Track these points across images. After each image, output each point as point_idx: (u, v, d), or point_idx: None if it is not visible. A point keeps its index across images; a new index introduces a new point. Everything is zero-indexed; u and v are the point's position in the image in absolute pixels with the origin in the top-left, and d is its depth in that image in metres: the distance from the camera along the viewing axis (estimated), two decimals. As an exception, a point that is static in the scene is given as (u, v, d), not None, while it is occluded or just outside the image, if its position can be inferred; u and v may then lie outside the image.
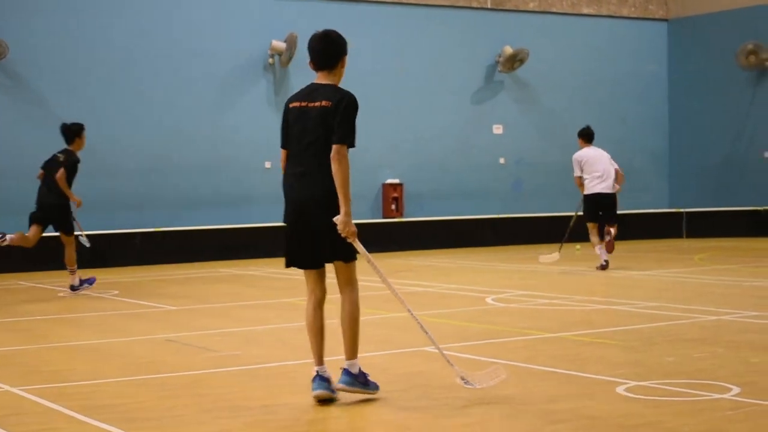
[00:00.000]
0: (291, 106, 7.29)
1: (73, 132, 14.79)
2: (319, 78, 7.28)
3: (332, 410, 6.91)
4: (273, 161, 21.64)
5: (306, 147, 7.15)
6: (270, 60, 22.14)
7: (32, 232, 14.69)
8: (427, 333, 7.22)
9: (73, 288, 14.88)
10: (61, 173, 14.46)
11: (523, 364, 8.45)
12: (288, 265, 7.31)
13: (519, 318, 11.36)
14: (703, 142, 26.16)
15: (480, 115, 24.54)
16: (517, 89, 24.95)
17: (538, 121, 25.23)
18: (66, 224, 14.78)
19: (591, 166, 16.66)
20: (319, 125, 7.08)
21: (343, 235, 6.94)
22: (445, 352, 7.28)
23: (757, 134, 25.23)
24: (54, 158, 14.78)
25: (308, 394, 7.16)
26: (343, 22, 22.89)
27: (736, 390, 7.12)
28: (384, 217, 23.05)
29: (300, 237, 7.18)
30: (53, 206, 14.67)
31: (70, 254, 14.81)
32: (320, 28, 7.36)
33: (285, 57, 21.99)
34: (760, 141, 25.14)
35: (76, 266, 14.89)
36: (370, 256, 7.05)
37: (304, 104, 7.20)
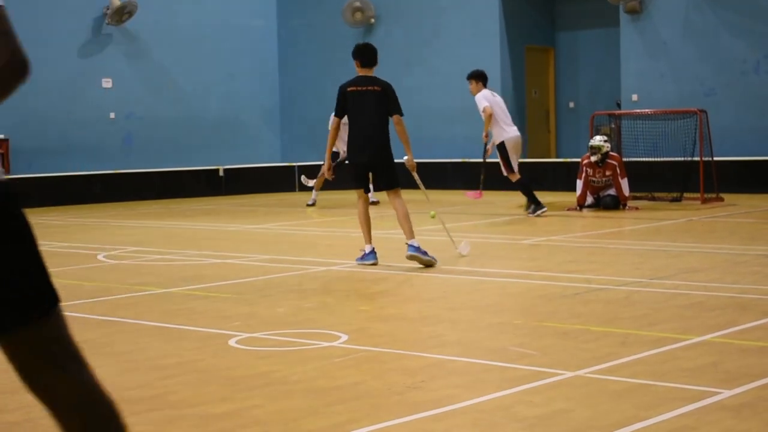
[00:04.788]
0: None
1: None
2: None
3: None
4: None
5: None
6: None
7: None
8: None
9: None
10: None
11: (134, 320, 8.32)
12: None
13: (131, 274, 11.18)
14: (313, 96, 26.63)
15: (88, 69, 23.89)
16: (126, 42, 24.47)
17: (148, 75, 24.88)
18: None
19: None
20: None
21: None
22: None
23: (364, 90, 25.99)
24: None
25: None
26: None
27: (344, 337, 7.30)
28: (-11, 175, 22.05)
29: None
30: None
31: None
32: None
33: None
34: (367, 96, 25.92)
35: None
36: None
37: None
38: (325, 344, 7.13)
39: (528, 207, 16.58)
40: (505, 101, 24.37)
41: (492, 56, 24.11)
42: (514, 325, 7.77)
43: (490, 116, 16.42)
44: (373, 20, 25.64)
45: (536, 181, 22.31)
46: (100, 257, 12.68)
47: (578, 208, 17.16)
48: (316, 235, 14.83)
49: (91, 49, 23.97)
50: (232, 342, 7.27)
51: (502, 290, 9.63)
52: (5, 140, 22.32)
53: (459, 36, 24.51)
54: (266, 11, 27.22)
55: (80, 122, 23.62)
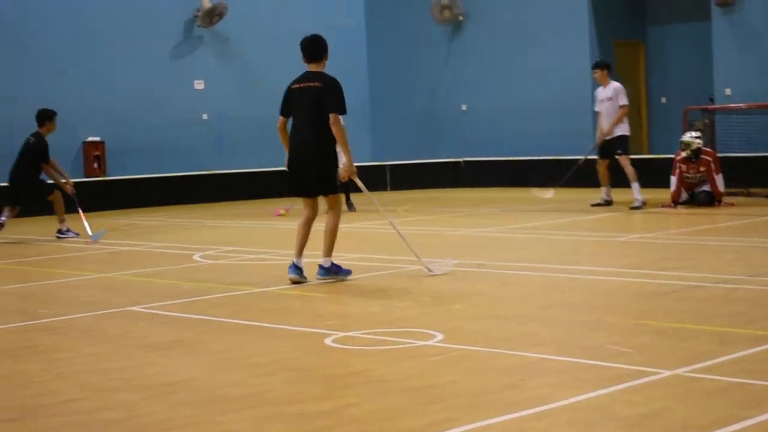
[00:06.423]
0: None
1: (44, 117, 15.96)
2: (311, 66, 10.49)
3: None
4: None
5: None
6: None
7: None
8: (399, 233, 10.91)
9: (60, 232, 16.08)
10: (46, 167, 15.91)
11: (229, 319, 8.41)
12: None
13: (226, 274, 11.31)
14: (403, 95, 26.72)
15: (180, 71, 24.19)
16: (217, 44, 24.72)
17: (239, 76, 25.10)
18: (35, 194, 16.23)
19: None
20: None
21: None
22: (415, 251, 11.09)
23: (454, 88, 25.96)
24: (26, 140, 15.99)
25: (7, 360, 6.95)
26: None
27: (439, 336, 7.30)
28: (86, 176, 22.43)
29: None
30: (22, 183, 15.99)
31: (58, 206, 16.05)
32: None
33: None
34: (458, 94, 25.88)
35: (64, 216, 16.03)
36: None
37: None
38: (420, 343, 7.14)
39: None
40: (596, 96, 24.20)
41: (581, 51, 23.93)
42: (608, 323, 7.71)
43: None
44: (461, 17, 25.59)
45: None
46: (195, 257, 12.83)
47: (672, 204, 16.95)
48: (410, 233, 14.81)
49: (182, 51, 24.26)
50: (327, 341, 7.32)
51: (596, 288, 9.56)
52: (101, 143, 22.68)
53: (548, 31, 24.36)
54: (355, 10, 27.30)
55: (173, 124, 23.91)
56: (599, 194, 17.71)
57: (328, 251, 10.19)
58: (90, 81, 22.69)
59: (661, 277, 9.75)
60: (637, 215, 16.29)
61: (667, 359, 6.37)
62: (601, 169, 17.58)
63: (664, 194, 17.67)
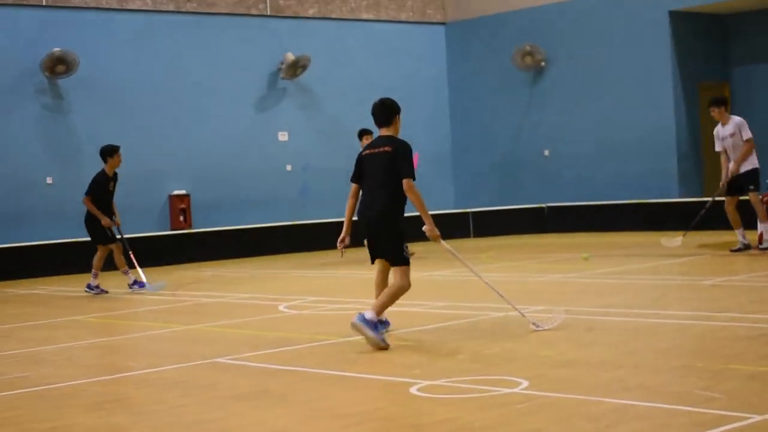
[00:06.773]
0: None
1: (104, 153, 16.01)
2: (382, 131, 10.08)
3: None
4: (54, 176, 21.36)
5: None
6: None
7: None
8: (496, 291, 10.38)
9: (130, 286, 16.23)
10: (85, 199, 15.84)
11: (316, 369, 8.45)
12: None
13: (311, 324, 11.38)
14: (485, 142, 26.73)
15: (264, 123, 24.49)
16: (300, 96, 24.99)
17: (323, 127, 25.33)
18: (97, 237, 16.06)
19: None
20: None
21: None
22: (518, 307, 10.68)
23: (536, 133, 25.92)
24: None
25: (99, 413, 7.03)
26: (119, 32, 22.51)
27: (525, 383, 7.28)
28: (172, 229, 22.74)
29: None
30: (85, 222, 16.08)
31: (117, 258, 16.17)
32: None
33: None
34: (540, 139, 25.83)
35: (126, 267, 16.23)
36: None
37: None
38: (506, 390, 7.12)
39: None
40: (681, 138, 23.89)
41: (664, 94, 23.77)
42: (697, 368, 7.62)
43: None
44: (543, 63, 25.58)
45: (715, 219, 21.88)
46: (281, 308, 12.92)
47: (759, 246, 16.65)
48: (494, 280, 14.77)
49: (267, 104, 24.56)
50: (413, 389, 7.33)
51: (684, 332, 9.46)
52: (186, 195, 22.99)
53: (630, 75, 24.24)
54: (436, 59, 27.43)
55: (258, 175, 24.17)
56: (717, 237, 17.49)
57: (379, 308, 9.55)
58: (175, 135, 23.05)
59: (750, 320, 9.63)
60: (725, 258, 16.06)
61: (758, 404, 6.29)
62: (730, 208, 16.57)
63: (752, 236, 17.43)
